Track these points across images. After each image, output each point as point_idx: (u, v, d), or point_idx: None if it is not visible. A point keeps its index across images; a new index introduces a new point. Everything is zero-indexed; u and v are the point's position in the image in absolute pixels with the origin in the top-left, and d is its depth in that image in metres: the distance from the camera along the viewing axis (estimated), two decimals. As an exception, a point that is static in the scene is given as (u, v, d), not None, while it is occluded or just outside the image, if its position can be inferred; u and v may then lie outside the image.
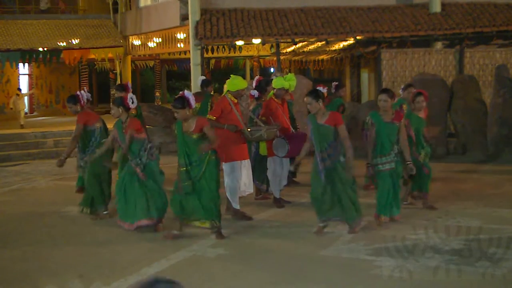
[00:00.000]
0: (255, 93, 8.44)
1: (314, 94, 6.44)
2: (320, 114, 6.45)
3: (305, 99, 6.53)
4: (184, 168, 6.39)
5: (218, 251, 6.17)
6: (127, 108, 7.11)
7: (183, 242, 6.47)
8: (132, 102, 7.13)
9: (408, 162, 6.76)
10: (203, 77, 10.53)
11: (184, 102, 6.30)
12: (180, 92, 6.54)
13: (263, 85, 8.54)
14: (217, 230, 6.56)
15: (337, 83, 9.98)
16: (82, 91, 8.22)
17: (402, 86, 8.69)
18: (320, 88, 7.26)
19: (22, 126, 18.15)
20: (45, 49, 19.64)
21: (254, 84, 8.86)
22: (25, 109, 20.06)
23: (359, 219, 6.62)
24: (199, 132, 6.36)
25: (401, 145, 6.75)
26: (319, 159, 6.45)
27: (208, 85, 10.18)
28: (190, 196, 6.40)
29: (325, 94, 6.89)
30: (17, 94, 19.65)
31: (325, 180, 6.42)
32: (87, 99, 8.34)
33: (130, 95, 7.31)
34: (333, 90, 9.99)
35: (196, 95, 8.40)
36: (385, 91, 6.89)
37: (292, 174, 9.07)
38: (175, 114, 6.42)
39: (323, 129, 6.42)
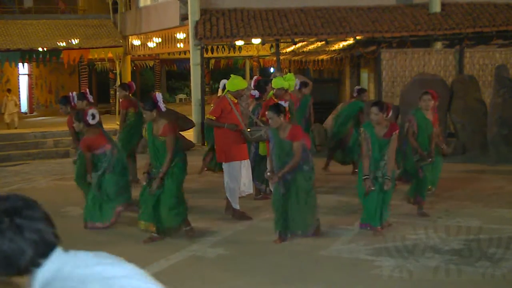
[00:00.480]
0: (256, 93, 8.44)
1: (276, 108, 6.35)
2: (282, 128, 6.36)
3: (266, 113, 6.49)
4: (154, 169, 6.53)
5: (217, 251, 6.17)
6: (87, 124, 7.16)
7: (183, 242, 6.47)
8: (93, 118, 7.13)
9: (387, 177, 6.42)
10: (298, 80, 10.60)
11: (153, 105, 6.47)
12: (153, 94, 6.73)
13: (263, 85, 8.53)
14: (155, 237, 6.55)
15: (360, 87, 10.23)
16: (84, 92, 8.27)
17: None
18: (281, 102, 6.94)
19: (8, 126, 18.10)
20: (45, 49, 19.65)
21: (252, 84, 8.86)
22: (17, 110, 19.99)
23: (312, 227, 6.50)
24: (165, 136, 6.48)
25: (387, 157, 6.47)
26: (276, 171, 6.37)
27: (306, 86, 10.38)
28: (151, 197, 6.48)
29: (286, 109, 6.73)
30: (7, 96, 19.72)
31: (284, 191, 6.36)
32: (89, 101, 8.42)
33: (91, 111, 7.25)
34: (355, 94, 10.16)
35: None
36: (376, 103, 6.67)
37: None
38: (144, 115, 6.71)
39: (285, 144, 6.34)
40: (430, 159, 7.31)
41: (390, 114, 6.66)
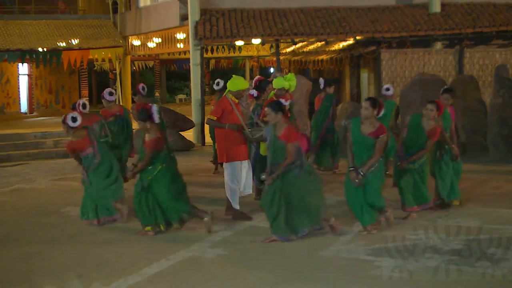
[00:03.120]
0: (254, 92, 8.43)
1: (274, 105, 6.38)
2: (278, 126, 6.36)
3: (265, 109, 6.51)
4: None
5: (217, 251, 6.17)
6: (68, 127, 7.46)
7: (183, 242, 6.47)
8: (74, 122, 7.39)
9: (360, 173, 6.40)
10: (322, 79, 10.61)
11: (147, 116, 6.77)
12: (147, 105, 6.98)
13: (262, 85, 8.53)
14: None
15: (387, 86, 10.05)
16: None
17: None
18: (282, 100, 6.89)
19: None
20: (45, 49, 19.64)
21: (253, 84, 8.86)
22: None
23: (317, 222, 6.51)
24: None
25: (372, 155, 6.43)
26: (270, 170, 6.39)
27: (331, 85, 10.32)
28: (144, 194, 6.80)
29: (286, 108, 6.70)
30: None
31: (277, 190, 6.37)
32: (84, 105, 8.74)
33: (69, 114, 7.46)
34: (384, 92, 10.03)
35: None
36: (369, 99, 6.63)
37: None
38: (138, 124, 6.93)
39: (277, 143, 6.34)
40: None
41: (382, 113, 6.52)
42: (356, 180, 6.45)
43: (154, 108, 6.84)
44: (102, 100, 9.51)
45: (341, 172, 10.13)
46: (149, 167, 6.77)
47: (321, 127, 10.38)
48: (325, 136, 10.36)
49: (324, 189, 7.54)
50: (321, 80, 10.40)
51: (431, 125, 7.14)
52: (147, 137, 6.82)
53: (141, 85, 9.88)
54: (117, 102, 10.24)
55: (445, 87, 7.92)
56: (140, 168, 6.80)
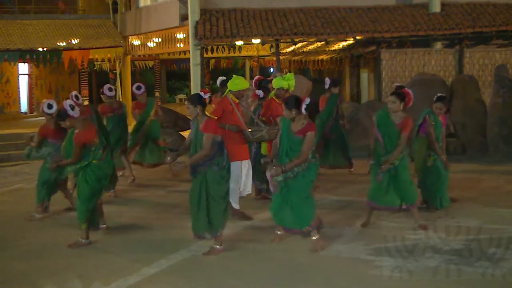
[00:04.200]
0: (261, 93, 8.43)
1: (193, 98, 6.14)
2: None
3: (186, 103, 6.36)
4: None
5: (218, 251, 6.17)
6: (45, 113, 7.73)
7: (183, 242, 6.47)
8: (50, 108, 7.61)
9: (289, 175, 6.04)
10: (327, 79, 10.56)
11: (63, 116, 6.67)
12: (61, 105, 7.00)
13: (266, 85, 8.55)
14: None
15: (398, 84, 9.82)
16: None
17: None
18: (201, 93, 6.40)
19: None
20: (45, 49, 19.64)
21: (253, 84, 8.86)
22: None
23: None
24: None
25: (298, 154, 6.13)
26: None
27: (337, 85, 10.26)
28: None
29: (207, 100, 6.43)
30: None
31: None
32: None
33: (45, 101, 7.69)
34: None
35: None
36: (288, 100, 6.15)
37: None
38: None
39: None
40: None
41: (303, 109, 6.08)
42: (279, 179, 6.08)
43: (67, 104, 6.70)
44: (102, 96, 9.71)
45: (357, 172, 10.10)
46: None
47: (325, 127, 10.34)
48: (329, 135, 10.32)
49: (327, 187, 7.58)
50: (327, 80, 10.36)
51: (401, 117, 6.67)
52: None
53: (136, 85, 10.02)
54: (116, 99, 10.36)
55: (438, 94, 7.80)
56: (65, 163, 6.86)
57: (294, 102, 6.03)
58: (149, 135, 10.02)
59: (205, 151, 5.99)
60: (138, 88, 9.92)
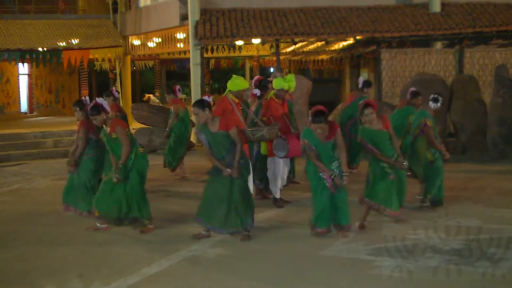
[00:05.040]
0: (257, 91, 8.43)
1: (200, 103, 6.36)
2: (209, 121, 6.38)
3: (192, 109, 6.49)
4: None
5: (217, 251, 6.17)
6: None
7: (183, 242, 6.47)
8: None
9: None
10: (361, 78, 10.54)
11: (99, 109, 6.86)
12: (94, 100, 7.05)
13: (264, 84, 8.55)
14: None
15: (414, 89, 9.07)
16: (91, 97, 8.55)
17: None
18: (205, 97, 6.65)
19: None
20: (45, 49, 19.63)
21: (253, 84, 8.86)
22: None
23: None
24: (114, 132, 6.83)
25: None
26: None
27: (369, 86, 10.17)
28: None
29: (211, 103, 6.55)
30: None
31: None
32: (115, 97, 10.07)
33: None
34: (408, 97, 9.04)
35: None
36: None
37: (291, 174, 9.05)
38: (94, 121, 7.00)
39: (218, 136, 6.37)
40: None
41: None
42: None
43: (102, 99, 7.01)
44: (106, 99, 9.74)
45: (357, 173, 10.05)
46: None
47: (345, 124, 10.20)
48: (349, 134, 10.13)
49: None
50: (361, 79, 10.21)
51: (378, 121, 6.81)
52: (107, 127, 6.95)
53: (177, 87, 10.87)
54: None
55: (432, 96, 7.81)
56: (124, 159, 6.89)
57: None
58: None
59: (240, 145, 6.37)
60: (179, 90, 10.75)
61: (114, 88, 10.52)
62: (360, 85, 10.11)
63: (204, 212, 6.52)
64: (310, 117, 6.36)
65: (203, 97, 6.51)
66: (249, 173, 6.69)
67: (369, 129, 6.77)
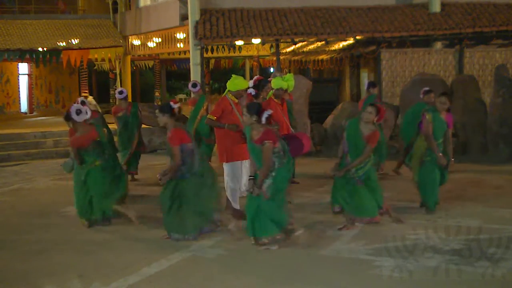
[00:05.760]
0: (252, 91, 8.43)
1: (162, 108, 6.53)
2: (363, 126, 6.76)
3: (156, 113, 6.55)
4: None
5: (217, 251, 6.17)
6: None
7: (183, 242, 6.47)
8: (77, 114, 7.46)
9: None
10: (366, 80, 10.64)
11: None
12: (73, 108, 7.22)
13: (261, 83, 8.54)
14: None
15: (427, 88, 9.41)
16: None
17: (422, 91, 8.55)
18: (171, 103, 6.64)
19: None
20: (45, 49, 19.63)
21: (252, 84, 8.86)
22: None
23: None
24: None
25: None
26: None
27: (374, 86, 10.25)
28: None
29: (175, 110, 6.55)
30: None
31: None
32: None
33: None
34: (421, 96, 9.32)
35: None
36: (249, 106, 6.49)
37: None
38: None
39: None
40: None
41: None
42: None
43: (73, 107, 7.16)
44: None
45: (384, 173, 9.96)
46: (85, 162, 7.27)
47: None
48: None
49: (327, 188, 7.54)
50: (366, 82, 10.43)
51: (370, 129, 6.76)
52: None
53: (192, 82, 10.56)
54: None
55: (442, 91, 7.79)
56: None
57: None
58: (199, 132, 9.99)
59: (176, 162, 6.51)
60: (194, 85, 10.31)
61: (118, 89, 10.38)
62: (365, 87, 10.28)
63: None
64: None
65: (170, 102, 6.63)
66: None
67: (358, 125, 6.82)
